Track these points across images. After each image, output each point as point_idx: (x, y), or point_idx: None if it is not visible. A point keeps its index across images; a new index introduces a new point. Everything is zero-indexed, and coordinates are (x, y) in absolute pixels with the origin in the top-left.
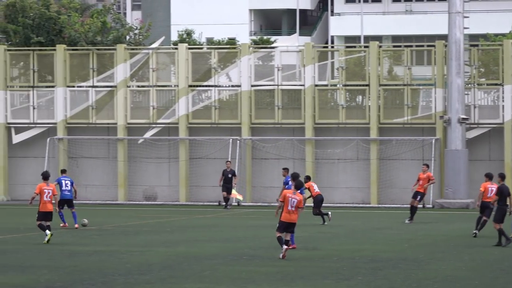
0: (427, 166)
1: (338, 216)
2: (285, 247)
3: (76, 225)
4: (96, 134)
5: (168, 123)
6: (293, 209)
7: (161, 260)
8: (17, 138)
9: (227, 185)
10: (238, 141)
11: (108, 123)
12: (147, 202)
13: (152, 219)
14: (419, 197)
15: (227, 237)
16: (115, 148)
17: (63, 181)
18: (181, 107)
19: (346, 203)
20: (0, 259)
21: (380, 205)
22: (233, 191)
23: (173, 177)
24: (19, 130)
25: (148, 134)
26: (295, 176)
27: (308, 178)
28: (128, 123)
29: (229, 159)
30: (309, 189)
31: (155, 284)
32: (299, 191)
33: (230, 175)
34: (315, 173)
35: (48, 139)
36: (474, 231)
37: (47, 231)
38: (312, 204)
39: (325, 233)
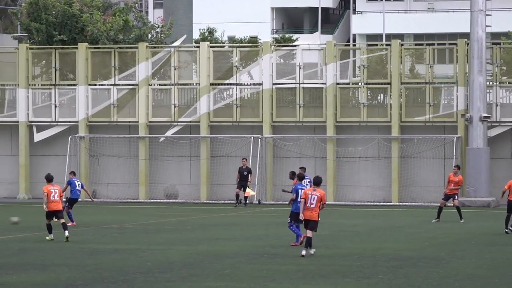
0: (459, 168)
1: (359, 214)
2: (303, 251)
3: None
4: (118, 132)
5: (190, 122)
6: (312, 206)
7: (182, 258)
8: (38, 137)
9: (242, 182)
10: (259, 139)
11: (129, 122)
12: (168, 200)
13: (173, 217)
14: (456, 196)
15: (248, 235)
16: (137, 146)
17: (76, 182)
18: (202, 106)
19: (367, 201)
20: (21, 257)
21: (401, 204)
22: (248, 189)
23: (194, 175)
24: (40, 129)
25: (169, 133)
26: (301, 177)
27: (294, 174)
28: (150, 122)
29: (250, 157)
30: None
31: (176, 282)
32: (319, 187)
33: (245, 173)
34: (336, 171)
35: (70, 138)
36: (506, 230)
37: (51, 235)
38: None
39: (346, 231)
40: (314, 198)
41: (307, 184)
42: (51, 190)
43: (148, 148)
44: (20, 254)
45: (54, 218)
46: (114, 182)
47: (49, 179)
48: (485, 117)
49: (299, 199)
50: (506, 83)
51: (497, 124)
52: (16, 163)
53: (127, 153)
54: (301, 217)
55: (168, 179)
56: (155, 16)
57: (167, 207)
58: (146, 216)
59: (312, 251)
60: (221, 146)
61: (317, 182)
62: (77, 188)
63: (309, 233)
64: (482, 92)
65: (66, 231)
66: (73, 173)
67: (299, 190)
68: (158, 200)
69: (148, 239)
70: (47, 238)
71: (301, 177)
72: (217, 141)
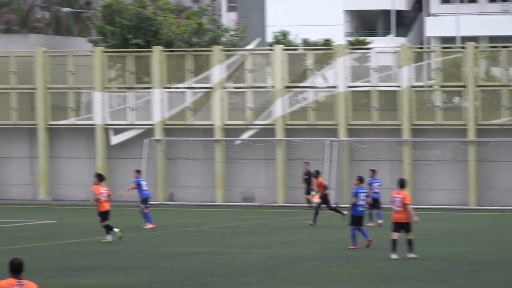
0: None
1: (437, 218)
2: (393, 255)
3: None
4: (194, 135)
5: (265, 125)
6: (399, 208)
7: (260, 261)
8: (115, 140)
9: (306, 186)
10: (334, 143)
11: (205, 125)
12: (245, 203)
13: (250, 220)
14: None
15: (325, 238)
16: (212, 149)
17: (142, 182)
18: (277, 108)
19: (444, 205)
20: (102, 259)
21: (479, 207)
22: (312, 193)
23: (271, 178)
24: (117, 132)
25: (245, 136)
26: (361, 180)
27: (317, 173)
28: (225, 125)
29: (327, 160)
30: (319, 185)
31: (254, 285)
32: (403, 189)
33: (307, 177)
34: (413, 174)
35: (146, 141)
36: None
37: (112, 231)
38: (319, 200)
39: (423, 235)
40: (398, 200)
41: (376, 187)
42: (101, 191)
43: (224, 151)
44: (100, 256)
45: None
46: (191, 185)
47: (102, 179)
48: None
49: (359, 202)
50: None
51: None
52: (93, 166)
53: (203, 156)
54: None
55: (244, 182)
56: (228, 19)
57: (244, 210)
58: (223, 219)
59: (412, 255)
60: (297, 149)
61: (401, 184)
62: (144, 188)
63: (409, 236)
64: None
65: (115, 229)
66: (138, 171)
67: (359, 194)
68: (235, 203)
69: (226, 242)
70: (118, 233)
71: (361, 180)
72: (293, 144)
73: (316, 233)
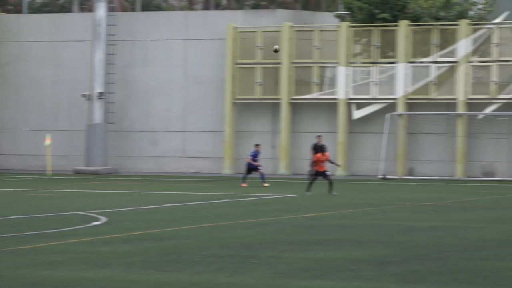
0: None
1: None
2: None
3: None
4: (435, 109)
5: (509, 99)
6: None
7: (498, 237)
8: (357, 114)
9: None
10: None
11: (447, 99)
12: (485, 178)
13: (490, 195)
14: None
15: None
16: (454, 124)
17: None
18: None
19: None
20: (338, 233)
21: None
22: None
23: None
24: (359, 106)
25: (488, 110)
26: None
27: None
28: (468, 99)
29: None
30: None
31: (491, 261)
32: None
33: None
34: None
35: (388, 115)
36: None
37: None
38: None
39: None
40: None
41: None
42: None
43: (466, 126)
44: (337, 230)
45: None
46: (431, 160)
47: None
48: None
49: None
50: None
51: None
52: (334, 140)
53: (444, 130)
54: None
55: (485, 156)
56: None
57: (484, 185)
58: (462, 194)
59: None
60: None
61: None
62: None
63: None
64: None
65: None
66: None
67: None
68: (475, 178)
69: (464, 217)
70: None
71: None
72: None
73: None
